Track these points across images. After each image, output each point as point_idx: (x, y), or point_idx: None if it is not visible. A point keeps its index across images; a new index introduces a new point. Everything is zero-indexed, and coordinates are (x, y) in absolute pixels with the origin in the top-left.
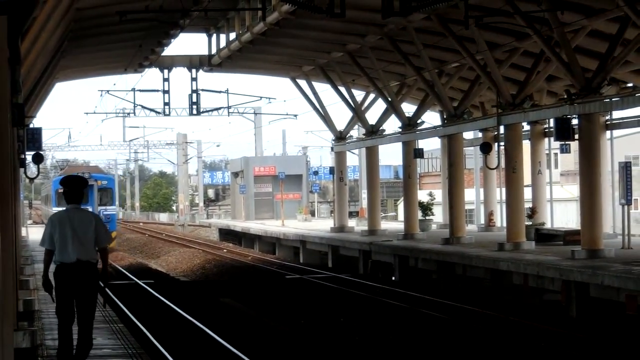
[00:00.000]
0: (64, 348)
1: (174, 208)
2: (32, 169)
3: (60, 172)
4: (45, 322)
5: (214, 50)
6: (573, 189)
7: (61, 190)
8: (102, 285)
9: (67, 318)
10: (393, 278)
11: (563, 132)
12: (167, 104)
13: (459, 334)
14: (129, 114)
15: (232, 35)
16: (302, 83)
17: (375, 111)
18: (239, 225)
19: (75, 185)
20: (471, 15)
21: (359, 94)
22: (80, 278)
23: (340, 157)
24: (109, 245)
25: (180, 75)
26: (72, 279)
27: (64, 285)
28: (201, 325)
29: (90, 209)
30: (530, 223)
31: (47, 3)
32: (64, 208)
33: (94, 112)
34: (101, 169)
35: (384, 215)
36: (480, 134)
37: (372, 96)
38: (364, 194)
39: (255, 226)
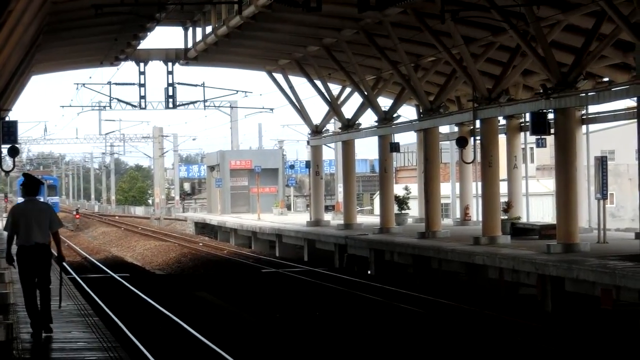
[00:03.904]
0: (32, 315)
1: (150, 202)
2: (7, 162)
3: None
4: (20, 315)
5: (190, 44)
6: (549, 183)
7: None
8: (58, 264)
9: (30, 290)
10: (369, 272)
11: (539, 127)
12: (143, 97)
13: (435, 328)
14: (105, 107)
15: (209, 29)
16: (279, 77)
17: (351, 105)
18: (214, 219)
19: (33, 183)
20: (447, 9)
21: (335, 88)
22: (38, 257)
23: (316, 151)
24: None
25: (156, 69)
26: (32, 259)
27: (25, 264)
28: (176, 319)
29: (41, 199)
30: (506, 217)
31: None
32: (24, 200)
33: (70, 105)
34: (50, 173)
35: (359, 209)
36: (456, 128)
37: (348, 90)
38: (340, 188)
39: (231, 220)
